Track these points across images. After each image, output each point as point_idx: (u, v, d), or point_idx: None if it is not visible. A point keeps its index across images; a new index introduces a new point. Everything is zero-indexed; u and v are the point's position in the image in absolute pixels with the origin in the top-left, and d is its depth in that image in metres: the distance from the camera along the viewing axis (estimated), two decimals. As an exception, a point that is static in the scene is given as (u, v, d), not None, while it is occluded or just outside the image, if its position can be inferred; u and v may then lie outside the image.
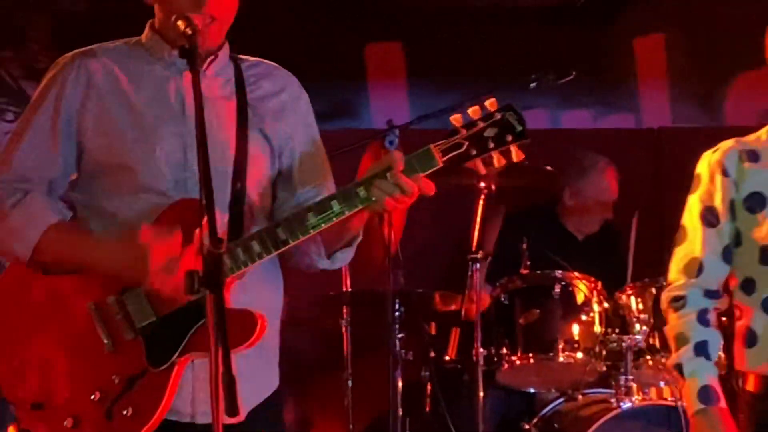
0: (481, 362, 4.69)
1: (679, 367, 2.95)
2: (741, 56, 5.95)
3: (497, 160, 2.66)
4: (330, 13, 6.08)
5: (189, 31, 2.57)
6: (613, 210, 5.52)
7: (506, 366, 4.80)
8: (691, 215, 3.00)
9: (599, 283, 4.80)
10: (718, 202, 2.94)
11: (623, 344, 4.64)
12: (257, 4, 3.30)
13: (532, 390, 5.08)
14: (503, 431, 5.09)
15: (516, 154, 2.64)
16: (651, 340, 4.70)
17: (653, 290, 4.63)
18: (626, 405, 4.51)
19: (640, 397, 4.62)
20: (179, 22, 2.61)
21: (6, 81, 6.04)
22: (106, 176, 2.87)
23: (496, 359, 4.83)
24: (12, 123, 5.83)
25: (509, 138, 2.64)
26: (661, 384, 4.88)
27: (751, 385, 2.95)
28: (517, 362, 4.78)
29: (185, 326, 2.73)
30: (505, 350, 4.81)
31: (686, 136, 5.99)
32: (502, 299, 4.83)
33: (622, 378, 4.61)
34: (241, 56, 2.96)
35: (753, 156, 2.93)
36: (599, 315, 4.74)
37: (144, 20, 2.91)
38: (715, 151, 2.99)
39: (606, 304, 4.77)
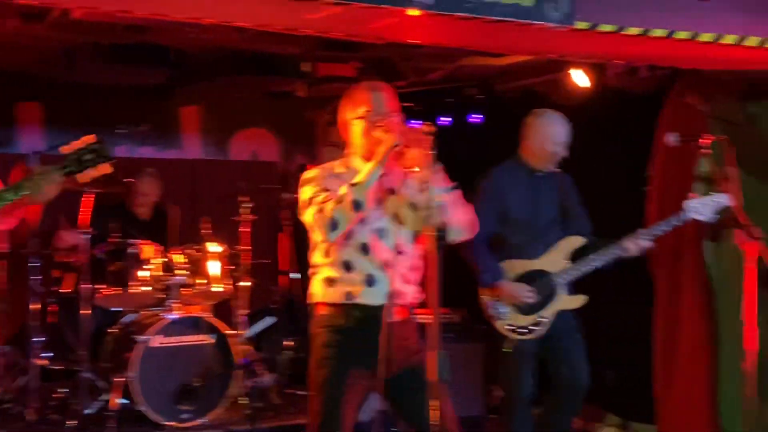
0: (88, 293, 5.79)
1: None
2: (238, 121, 8.26)
3: (93, 173, 3.17)
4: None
5: None
6: (167, 200, 6.67)
7: (102, 294, 5.94)
8: (309, 195, 3.57)
9: (159, 246, 5.95)
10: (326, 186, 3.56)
11: (171, 282, 5.93)
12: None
13: (118, 309, 6.19)
14: (98, 334, 6.00)
15: (103, 169, 3.18)
16: (189, 280, 5.97)
17: (191, 251, 6.00)
18: (171, 317, 5.76)
19: (181, 312, 5.75)
20: None
21: None
22: None
23: (97, 292, 5.90)
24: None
25: (100, 160, 3.17)
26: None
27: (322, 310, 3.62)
28: (108, 292, 5.95)
29: None
30: (102, 285, 5.94)
31: (209, 164, 8.15)
32: (101, 257, 5.98)
33: (168, 301, 5.88)
34: None
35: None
36: (161, 264, 5.91)
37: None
38: (313, 169, 3.67)
39: (165, 259, 5.93)
